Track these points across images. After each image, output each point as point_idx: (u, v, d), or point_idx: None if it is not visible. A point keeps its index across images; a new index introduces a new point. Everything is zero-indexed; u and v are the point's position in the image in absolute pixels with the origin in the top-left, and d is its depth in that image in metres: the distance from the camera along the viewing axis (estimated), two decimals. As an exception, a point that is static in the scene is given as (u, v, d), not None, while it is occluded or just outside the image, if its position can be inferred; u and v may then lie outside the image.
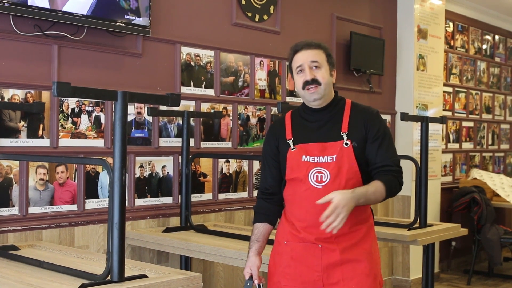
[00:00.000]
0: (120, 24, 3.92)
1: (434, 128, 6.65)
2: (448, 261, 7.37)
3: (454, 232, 4.62)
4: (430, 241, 4.33)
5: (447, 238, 4.90)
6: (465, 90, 7.83)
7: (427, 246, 4.38)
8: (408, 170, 6.15)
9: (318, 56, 2.73)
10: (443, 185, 7.13)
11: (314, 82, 2.69)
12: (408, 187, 6.30)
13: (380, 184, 2.64)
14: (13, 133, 3.58)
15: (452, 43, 7.60)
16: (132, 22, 3.98)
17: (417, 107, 6.51)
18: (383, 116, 6.32)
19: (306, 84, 2.70)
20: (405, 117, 4.40)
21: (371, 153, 2.70)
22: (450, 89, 7.50)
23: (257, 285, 2.72)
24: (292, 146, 2.73)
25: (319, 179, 2.65)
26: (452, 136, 7.53)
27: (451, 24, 7.56)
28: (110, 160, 3.77)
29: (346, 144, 2.66)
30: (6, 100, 3.56)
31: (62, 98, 3.77)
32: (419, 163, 4.41)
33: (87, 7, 3.73)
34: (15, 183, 3.59)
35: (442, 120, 4.74)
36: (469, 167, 7.86)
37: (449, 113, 7.43)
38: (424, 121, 4.45)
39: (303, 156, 2.68)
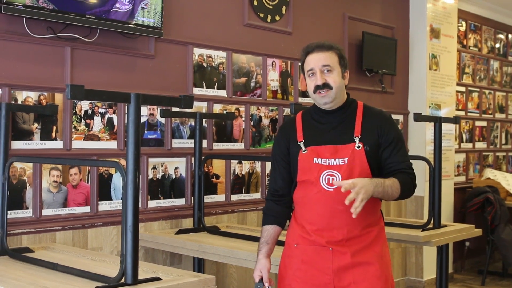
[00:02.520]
0: (133, 25, 3.92)
1: (447, 128, 6.62)
2: (462, 261, 7.33)
3: (468, 233, 4.60)
4: (444, 242, 4.31)
5: (461, 239, 4.87)
6: (478, 89, 7.79)
7: (441, 247, 4.36)
8: (421, 170, 6.12)
9: (329, 59, 2.69)
10: (457, 185, 7.09)
11: (325, 86, 2.67)
12: (421, 188, 6.26)
13: (396, 181, 2.61)
14: (27, 135, 3.59)
15: (465, 42, 7.56)
16: (145, 23, 3.97)
17: (430, 107, 6.48)
18: (396, 116, 6.31)
19: (317, 88, 2.68)
20: (418, 117, 4.39)
21: (385, 158, 2.69)
22: (463, 89, 7.46)
23: (267, 287, 2.70)
24: (303, 148, 2.71)
25: (330, 182, 2.62)
26: (465, 135, 7.49)
27: (463, 23, 7.51)
28: (123, 161, 3.78)
29: (358, 147, 2.64)
30: (19, 102, 3.57)
31: (75, 100, 3.78)
32: (432, 163, 4.39)
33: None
34: (29, 185, 3.60)
35: (455, 120, 4.72)
36: (483, 167, 7.81)
37: (462, 113, 7.39)
38: (437, 122, 4.43)
39: (315, 158, 2.66)
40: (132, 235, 2.54)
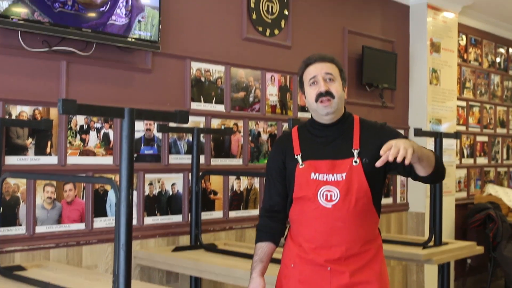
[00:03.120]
0: (129, 39, 3.87)
1: (448, 143, 6.55)
2: (463, 279, 7.24)
3: (469, 250, 4.53)
4: (446, 260, 4.24)
5: (463, 257, 4.80)
6: (479, 104, 7.73)
7: (443, 265, 4.30)
8: (422, 187, 6.06)
9: (332, 69, 2.65)
10: (458, 201, 7.02)
11: (328, 94, 2.60)
12: (422, 204, 6.22)
13: (428, 150, 2.51)
14: (21, 150, 3.53)
15: (465, 57, 7.51)
16: (141, 37, 3.92)
17: (430, 121, 6.42)
18: (396, 131, 6.22)
19: (319, 96, 2.60)
20: (419, 132, 4.33)
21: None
22: (463, 103, 7.40)
23: None
24: (300, 163, 2.64)
25: (328, 198, 2.56)
26: (466, 151, 7.43)
27: (464, 37, 7.47)
28: (117, 180, 3.71)
29: (356, 162, 2.57)
30: (13, 117, 3.51)
31: (71, 115, 3.72)
32: (433, 181, 4.32)
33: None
34: (22, 201, 3.53)
35: (456, 135, 4.66)
36: (484, 183, 7.74)
37: (463, 128, 7.33)
38: (438, 137, 4.37)
39: (312, 174, 2.59)
40: (125, 254, 2.46)
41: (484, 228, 6.79)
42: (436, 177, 2.57)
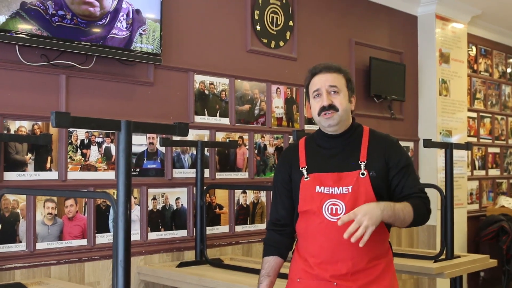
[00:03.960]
0: (130, 52, 3.81)
1: (459, 155, 6.45)
2: (477, 292, 7.12)
3: (482, 264, 4.42)
4: (458, 274, 4.13)
5: (475, 270, 4.69)
6: (490, 115, 7.63)
7: (455, 279, 4.19)
8: (433, 199, 5.90)
9: (337, 80, 2.57)
10: (470, 213, 6.91)
11: (331, 108, 2.53)
12: (433, 216, 6.07)
13: (408, 205, 2.45)
14: (20, 166, 3.47)
15: (475, 67, 7.42)
16: (143, 50, 3.87)
17: (440, 133, 6.32)
18: (406, 143, 6.16)
19: (322, 110, 2.54)
20: (429, 143, 4.23)
21: (395, 184, 2.54)
22: (474, 114, 7.31)
23: None
24: (305, 175, 2.56)
25: (333, 212, 2.47)
26: (478, 162, 7.32)
27: (474, 47, 7.39)
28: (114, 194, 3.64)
29: (363, 174, 2.49)
30: (12, 132, 3.45)
31: (71, 130, 3.66)
32: (444, 191, 4.23)
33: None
34: (22, 218, 3.47)
35: (467, 146, 4.56)
36: (496, 195, 7.62)
37: (474, 139, 7.23)
38: (449, 148, 4.28)
39: (317, 187, 2.52)
40: (124, 270, 2.38)
41: (497, 240, 6.68)
42: (415, 225, 2.54)
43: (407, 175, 2.56)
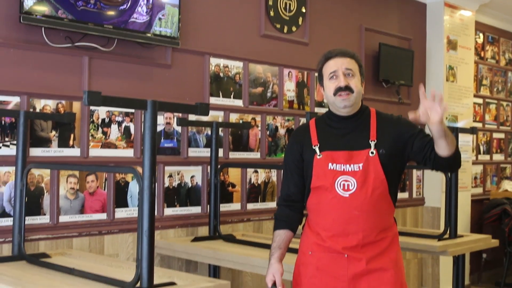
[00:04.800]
0: (150, 35, 3.97)
1: (464, 140, 6.59)
2: (479, 273, 7.27)
3: (484, 243, 4.57)
4: (460, 252, 4.29)
5: (478, 249, 4.85)
6: (495, 101, 7.75)
7: (457, 257, 4.35)
8: (438, 182, 6.12)
9: (352, 64, 2.72)
10: (474, 196, 7.05)
11: (347, 89, 2.67)
12: (438, 199, 6.26)
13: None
14: (45, 142, 3.64)
15: (482, 54, 7.54)
16: (162, 33, 4.02)
17: (446, 118, 6.46)
18: (412, 127, 6.28)
19: (339, 90, 2.67)
20: (434, 127, 4.37)
21: (416, 146, 2.65)
22: (480, 101, 7.43)
23: None
24: (318, 153, 2.71)
25: (345, 188, 2.63)
26: (482, 147, 7.45)
27: (481, 35, 7.50)
28: (139, 170, 3.81)
29: (372, 153, 2.65)
30: (38, 110, 3.62)
31: (93, 109, 3.83)
32: (448, 174, 4.38)
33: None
34: (46, 192, 3.65)
35: (472, 130, 4.71)
36: (500, 179, 7.76)
37: (479, 125, 7.35)
38: (454, 132, 4.42)
39: (330, 164, 2.67)
40: (148, 240, 2.56)
41: (499, 223, 6.83)
42: (454, 161, 2.59)
43: (424, 135, 2.69)
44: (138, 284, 2.55)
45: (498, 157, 7.76)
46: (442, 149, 2.53)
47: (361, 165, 2.63)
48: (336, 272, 2.65)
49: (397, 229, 2.80)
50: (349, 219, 2.62)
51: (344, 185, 2.63)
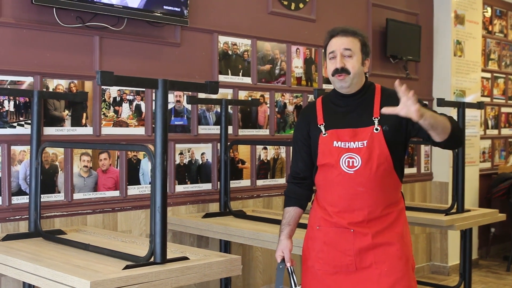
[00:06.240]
0: (159, 14, 4.01)
1: (472, 114, 6.63)
2: (487, 247, 7.34)
3: (492, 217, 4.63)
4: (468, 226, 4.34)
5: (485, 223, 4.90)
6: (504, 75, 7.76)
7: (465, 232, 4.40)
8: (445, 156, 6.16)
9: (352, 44, 2.73)
10: (482, 171, 7.09)
11: (343, 71, 2.70)
12: (446, 173, 6.31)
13: (444, 117, 2.60)
14: (58, 122, 3.71)
15: (490, 28, 7.53)
16: (170, 12, 4.06)
17: (454, 93, 6.49)
18: (420, 103, 6.31)
19: (336, 71, 2.71)
20: (442, 103, 4.42)
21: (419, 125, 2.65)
22: (488, 75, 7.44)
23: (289, 268, 2.77)
24: (323, 132, 2.76)
25: (350, 164, 2.68)
26: (490, 122, 7.47)
27: (489, 9, 7.48)
28: (151, 147, 3.88)
29: (377, 129, 2.68)
30: (51, 90, 3.68)
31: (104, 88, 3.89)
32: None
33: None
34: (61, 170, 3.72)
35: (479, 105, 4.74)
36: (508, 153, 7.79)
37: (487, 99, 7.37)
38: (461, 107, 4.46)
39: (334, 142, 2.72)
40: (161, 215, 2.63)
41: (508, 197, 6.87)
42: (452, 142, 2.64)
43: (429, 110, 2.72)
44: (152, 259, 2.62)
45: (506, 131, 7.78)
46: (435, 137, 2.59)
47: (365, 142, 2.68)
48: (342, 246, 2.71)
49: (404, 204, 2.84)
50: (354, 195, 2.68)
51: (349, 162, 2.68)
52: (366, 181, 2.66)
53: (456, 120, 2.69)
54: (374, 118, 2.71)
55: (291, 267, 2.77)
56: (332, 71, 2.73)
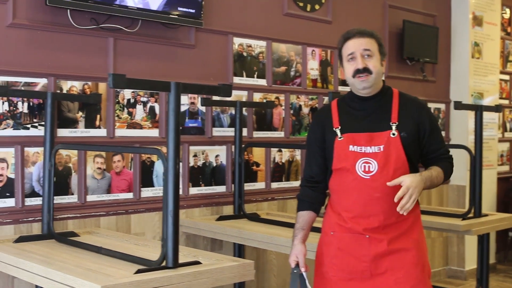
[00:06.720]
0: (173, 16, 3.99)
1: (490, 117, 6.55)
2: (505, 252, 7.25)
3: (510, 222, 4.56)
4: (485, 231, 4.28)
5: (503, 228, 4.83)
6: (522, 77, 7.67)
7: (482, 236, 4.34)
8: (463, 160, 6.08)
9: (370, 44, 2.71)
10: (500, 174, 7.01)
11: (366, 71, 2.67)
12: (463, 177, 6.23)
13: (440, 170, 2.72)
14: (72, 123, 3.70)
15: (509, 30, 7.44)
16: (185, 13, 4.04)
17: (472, 95, 6.42)
18: (437, 105, 6.29)
19: (357, 72, 2.68)
20: (459, 105, 4.36)
21: (426, 144, 2.75)
22: (507, 77, 7.35)
23: (303, 273, 2.73)
24: (339, 135, 2.72)
25: (366, 169, 2.65)
26: (509, 124, 7.38)
27: (507, 10, 7.39)
28: (165, 149, 3.86)
29: (394, 134, 2.65)
30: (64, 91, 3.67)
31: (118, 90, 3.87)
32: (473, 152, 4.37)
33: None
34: (74, 171, 3.71)
35: (497, 108, 4.67)
36: (527, 156, 7.70)
37: (506, 102, 7.28)
38: (479, 110, 4.40)
39: (350, 146, 2.68)
40: (173, 219, 2.61)
41: (526, 201, 6.79)
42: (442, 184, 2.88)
43: (436, 138, 2.77)
44: (164, 263, 2.60)
45: (524, 134, 7.68)
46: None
47: (382, 146, 2.64)
48: (357, 252, 2.68)
49: (419, 210, 2.81)
50: (370, 201, 2.64)
51: (365, 167, 2.65)
52: (382, 187, 2.62)
53: (451, 159, 2.89)
54: (392, 123, 2.68)
55: (305, 273, 2.74)
56: (352, 72, 2.69)
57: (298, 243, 2.78)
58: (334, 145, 2.73)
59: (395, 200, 2.49)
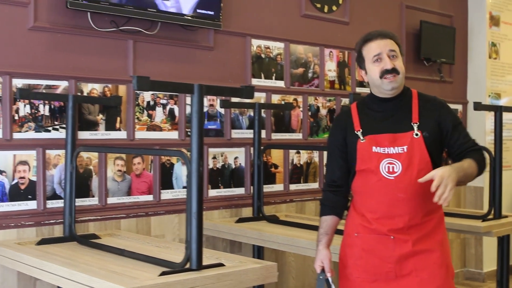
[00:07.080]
0: (192, 18, 4.00)
1: (508, 118, 6.49)
2: (523, 253, 7.19)
3: (530, 223, 4.53)
4: (505, 233, 4.26)
5: (523, 230, 4.80)
6: (540, 78, 7.61)
7: (502, 238, 4.32)
8: (481, 160, 6.03)
9: (394, 45, 2.72)
10: (518, 175, 6.95)
11: (394, 71, 2.67)
12: (481, 178, 6.12)
13: (470, 160, 2.63)
14: (92, 126, 3.71)
15: (526, 30, 7.39)
16: (204, 16, 4.05)
17: (489, 96, 6.38)
18: (454, 106, 6.25)
19: (385, 72, 2.67)
20: (479, 106, 4.34)
21: (453, 142, 2.72)
22: (524, 77, 7.30)
23: (329, 278, 2.72)
24: (361, 138, 2.72)
25: (390, 170, 2.64)
26: (526, 125, 7.32)
27: (525, 10, 7.35)
28: (186, 152, 3.86)
29: (417, 134, 2.65)
30: (85, 94, 3.69)
31: (138, 92, 3.88)
32: (492, 153, 4.34)
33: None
34: (95, 174, 3.72)
35: (516, 109, 4.65)
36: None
37: (523, 102, 7.23)
38: (498, 111, 4.38)
39: (374, 147, 2.68)
40: (197, 221, 2.61)
41: (545, 202, 6.72)
42: (478, 176, 2.72)
43: (461, 132, 2.73)
44: (187, 265, 2.60)
45: (543, 134, 7.62)
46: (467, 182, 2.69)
47: (405, 147, 2.64)
48: (382, 253, 2.67)
49: (442, 211, 2.80)
50: (394, 201, 2.63)
51: (389, 167, 2.64)
52: (406, 187, 2.61)
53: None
54: (413, 124, 2.67)
55: (331, 277, 2.73)
56: (380, 72, 2.68)
57: (323, 248, 2.78)
58: (357, 147, 2.73)
59: (432, 189, 2.39)
